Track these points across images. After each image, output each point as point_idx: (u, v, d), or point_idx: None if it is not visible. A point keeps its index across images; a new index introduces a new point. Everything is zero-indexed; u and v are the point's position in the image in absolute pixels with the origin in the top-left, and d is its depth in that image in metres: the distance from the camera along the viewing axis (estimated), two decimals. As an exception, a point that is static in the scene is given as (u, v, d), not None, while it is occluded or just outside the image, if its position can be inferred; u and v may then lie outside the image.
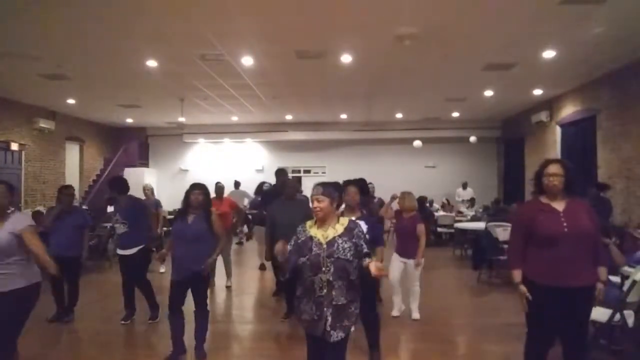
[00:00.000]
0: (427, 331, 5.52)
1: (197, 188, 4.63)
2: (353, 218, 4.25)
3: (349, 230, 3.10)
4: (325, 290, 2.97)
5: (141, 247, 5.81)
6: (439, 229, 13.20)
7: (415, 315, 5.93)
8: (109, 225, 10.94)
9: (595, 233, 3.28)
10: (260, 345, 5.14)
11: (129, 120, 15.85)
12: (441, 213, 13.76)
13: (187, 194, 4.62)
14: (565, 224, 3.24)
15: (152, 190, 9.00)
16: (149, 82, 10.02)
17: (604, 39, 7.40)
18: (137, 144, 17.00)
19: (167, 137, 17.23)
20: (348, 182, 4.47)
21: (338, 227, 3.11)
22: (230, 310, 6.79)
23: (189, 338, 4.63)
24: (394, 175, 15.45)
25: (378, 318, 4.54)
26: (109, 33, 7.04)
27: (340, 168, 16.24)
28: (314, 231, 3.12)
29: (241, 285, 7.91)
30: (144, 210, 6.20)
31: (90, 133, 15.94)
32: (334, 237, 3.05)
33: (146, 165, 17.30)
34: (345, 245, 3.02)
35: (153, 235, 7.48)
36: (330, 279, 2.97)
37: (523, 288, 3.36)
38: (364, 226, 4.18)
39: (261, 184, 10.37)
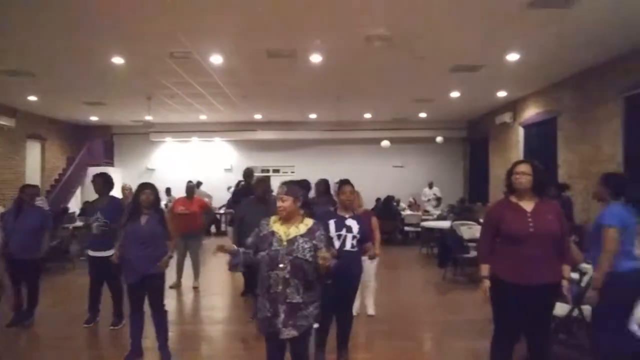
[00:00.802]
0: (393, 329, 5.59)
1: (147, 187, 4.51)
2: (346, 215, 4.34)
3: (312, 231, 3.12)
4: (280, 287, 2.98)
5: None
6: (406, 228, 13.38)
7: (371, 311, 5.99)
8: (71, 226, 10.71)
9: (561, 233, 3.37)
10: (229, 346, 5.12)
11: (94, 118, 15.49)
12: (408, 212, 13.94)
13: (137, 193, 4.49)
14: (531, 224, 3.33)
15: (131, 190, 8.76)
16: (115, 79, 9.82)
17: (566, 44, 7.65)
18: (102, 143, 16.63)
19: (133, 136, 16.91)
20: (344, 182, 4.52)
21: (301, 227, 3.12)
22: (198, 311, 6.73)
23: (152, 340, 4.58)
24: (363, 175, 15.42)
25: (352, 318, 4.57)
26: (73, 29, 6.88)
27: (309, 168, 16.25)
28: (277, 227, 3.13)
29: (210, 286, 7.84)
30: (124, 210, 6.10)
31: (53, 131, 15.50)
32: (296, 236, 3.07)
33: (111, 164, 16.93)
34: (306, 245, 3.04)
35: None
36: (287, 276, 2.98)
37: (487, 283, 3.46)
38: (355, 225, 4.26)
39: (238, 183, 10.30)
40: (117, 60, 8.41)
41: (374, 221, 5.76)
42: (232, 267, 3.19)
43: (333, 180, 6.08)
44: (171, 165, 17.03)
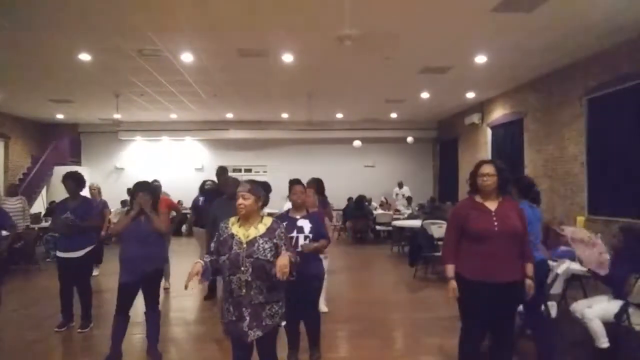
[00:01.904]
0: (364, 327, 5.64)
1: (144, 189, 4.54)
2: (297, 216, 4.32)
3: (271, 231, 3.08)
4: (244, 291, 2.94)
5: (89, 249, 5.49)
6: (378, 227, 13.51)
7: (323, 308, 5.96)
8: (36, 227, 10.43)
9: (523, 232, 3.47)
10: (200, 347, 5.07)
11: (60, 116, 15.10)
12: (379, 211, 14.07)
13: (134, 194, 4.52)
14: (496, 223, 3.41)
15: (99, 189, 8.59)
16: (82, 76, 9.61)
17: (530, 47, 7.86)
18: (69, 141, 16.25)
19: (101, 134, 16.58)
20: (294, 182, 4.47)
21: (260, 227, 3.08)
22: (168, 313, 6.64)
23: (135, 341, 4.51)
24: (335, 175, 15.60)
25: (319, 317, 4.58)
26: (37, 22, 6.70)
27: (281, 167, 16.27)
28: (236, 229, 3.08)
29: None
30: (95, 210, 5.98)
31: (17, 129, 15.03)
32: (255, 237, 3.02)
33: (78, 163, 16.56)
34: (266, 246, 3.00)
35: (101, 238, 7.12)
36: (249, 279, 2.93)
37: (453, 284, 3.51)
38: (307, 225, 4.24)
39: (203, 183, 10.11)
40: (84, 56, 8.23)
41: (327, 221, 5.64)
42: (204, 280, 3.13)
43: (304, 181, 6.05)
44: (141, 165, 16.75)
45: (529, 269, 3.48)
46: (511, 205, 3.55)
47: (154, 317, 4.58)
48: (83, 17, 6.51)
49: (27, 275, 8.82)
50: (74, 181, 5.52)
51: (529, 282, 3.47)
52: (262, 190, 3.19)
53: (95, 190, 8.57)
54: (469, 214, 3.51)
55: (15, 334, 5.49)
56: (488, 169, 3.50)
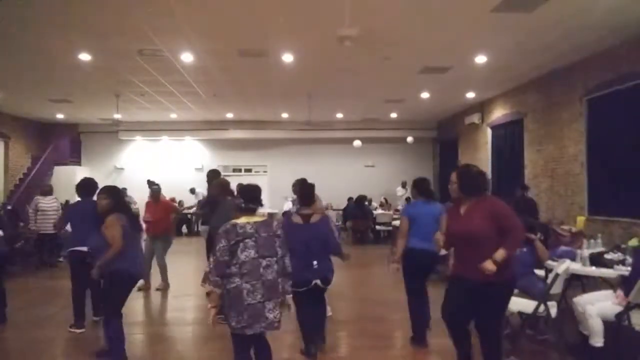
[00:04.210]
0: (364, 327, 5.66)
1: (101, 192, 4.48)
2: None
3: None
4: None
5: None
6: (378, 227, 13.52)
7: (329, 312, 5.99)
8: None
9: (490, 233, 3.40)
10: (201, 347, 5.07)
11: (60, 116, 15.09)
12: (380, 211, 14.08)
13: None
14: (460, 226, 3.56)
15: None
16: (82, 76, 9.61)
17: (530, 47, 7.87)
18: (69, 141, 16.26)
19: (101, 134, 16.57)
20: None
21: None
22: (169, 313, 6.65)
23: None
24: (335, 175, 15.68)
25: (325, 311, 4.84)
26: (37, 22, 6.71)
27: (281, 167, 16.28)
28: None
29: (179, 287, 7.74)
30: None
31: (17, 129, 15.03)
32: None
33: (78, 163, 16.58)
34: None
35: None
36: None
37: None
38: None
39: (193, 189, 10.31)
40: (84, 56, 8.24)
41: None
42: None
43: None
44: (141, 165, 16.74)
45: (499, 253, 3.32)
46: (481, 206, 3.50)
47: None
48: (83, 17, 6.51)
49: (26, 276, 8.83)
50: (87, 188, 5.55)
51: (488, 261, 3.32)
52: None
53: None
54: (449, 217, 3.83)
55: (20, 332, 5.49)
56: (452, 176, 3.72)
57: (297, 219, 4.47)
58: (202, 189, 13.21)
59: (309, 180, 5.08)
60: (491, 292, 3.42)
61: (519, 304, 4.66)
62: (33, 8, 6.17)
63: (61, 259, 9.67)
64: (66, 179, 14.09)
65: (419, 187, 5.13)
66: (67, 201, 10.90)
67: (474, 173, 3.67)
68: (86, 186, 5.56)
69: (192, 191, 14.77)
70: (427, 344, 4.96)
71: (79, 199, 5.73)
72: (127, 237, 4.21)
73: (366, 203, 13.85)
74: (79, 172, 15.23)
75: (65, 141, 16.14)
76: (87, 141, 17.04)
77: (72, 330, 5.34)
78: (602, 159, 8.15)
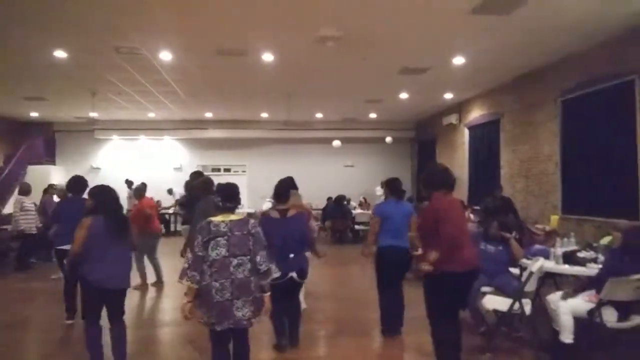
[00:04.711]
0: (343, 326, 5.69)
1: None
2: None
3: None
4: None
5: None
6: (357, 227, 13.59)
7: (303, 305, 6.04)
8: (9, 227, 10.17)
9: (419, 228, 4.03)
10: (181, 348, 5.04)
11: (34, 114, 14.76)
12: (359, 211, 14.15)
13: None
14: None
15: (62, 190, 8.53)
16: (58, 74, 9.43)
17: (507, 48, 8.00)
18: (43, 140, 15.92)
19: (77, 133, 16.27)
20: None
21: None
22: (147, 314, 6.58)
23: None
24: (315, 174, 15.67)
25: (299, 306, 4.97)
26: (11, 18, 6.55)
27: (260, 167, 16.25)
28: None
29: (157, 288, 7.66)
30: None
31: (-12, 127, 14.67)
32: None
33: (53, 162, 16.24)
34: None
35: None
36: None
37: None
38: None
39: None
40: (60, 54, 8.08)
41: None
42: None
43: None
44: (118, 164, 16.50)
45: (432, 254, 3.72)
46: (425, 208, 4.15)
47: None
48: (58, 14, 6.39)
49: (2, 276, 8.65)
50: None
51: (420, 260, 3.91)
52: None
53: (55, 190, 8.56)
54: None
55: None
56: None
57: (274, 214, 4.69)
58: (180, 189, 13.11)
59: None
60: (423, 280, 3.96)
61: (495, 302, 4.75)
62: (6, 3, 6.04)
63: (34, 260, 9.53)
64: (40, 179, 13.79)
65: (391, 187, 5.37)
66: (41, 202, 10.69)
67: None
68: (76, 184, 5.70)
69: (170, 192, 14.62)
70: (400, 333, 5.23)
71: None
72: (99, 242, 3.97)
73: (345, 203, 13.90)
74: (54, 172, 14.96)
75: (40, 140, 15.81)
76: (62, 140, 16.72)
77: (66, 321, 5.57)
78: (576, 159, 8.33)
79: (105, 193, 4.26)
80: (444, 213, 3.71)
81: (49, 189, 9.90)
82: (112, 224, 4.03)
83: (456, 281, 3.73)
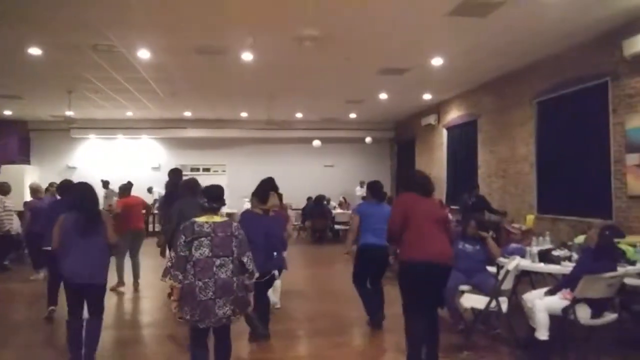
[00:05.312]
0: (322, 325, 5.70)
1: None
2: None
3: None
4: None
5: None
6: (336, 227, 13.64)
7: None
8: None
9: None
10: (160, 350, 4.99)
11: (8, 113, 14.42)
12: (338, 211, 14.20)
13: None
14: None
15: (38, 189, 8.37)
16: (32, 71, 9.24)
17: (484, 50, 8.12)
18: (17, 139, 15.57)
19: (52, 132, 15.94)
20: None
21: None
22: (128, 315, 6.50)
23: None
24: (294, 174, 15.65)
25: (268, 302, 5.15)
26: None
27: (240, 167, 16.17)
28: None
29: (135, 288, 7.57)
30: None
31: (-40, 125, 14.29)
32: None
33: (27, 162, 15.89)
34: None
35: None
36: None
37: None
38: None
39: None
40: (34, 50, 7.92)
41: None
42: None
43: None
44: (95, 164, 16.23)
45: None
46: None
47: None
48: (33, 9, 6.27)
49: None
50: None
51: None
52: None
53: (53, 189, 8.36)
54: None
55: None
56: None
57: (257, 211, 4.98)
58: (159, 188, 12.99)
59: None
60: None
61: (472, 300, 4.83)
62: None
63: (7, 263, 9.31)
64: (14, 179, 13.49)
65: (372, 189, 5.66)
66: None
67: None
68: (66, 188, 5.58)
69: (150, 190, 14.45)
70: (381, 327, 5.46)
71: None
72: (70, 238, 4.09)
73: (325, 202, 13.94)
74: (28, 172, 14.64)
75: (14, 139, 15.47)
76: (37, 139, 16.38)
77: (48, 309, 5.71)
78: (551, 160, 8.50)
79: (81, 190, 4.35)
80: (400, 205, 4.09)
81: (49, 188, 9.53)
82: (82, 220, 4.11)
83: (414, 270, 3.87)
